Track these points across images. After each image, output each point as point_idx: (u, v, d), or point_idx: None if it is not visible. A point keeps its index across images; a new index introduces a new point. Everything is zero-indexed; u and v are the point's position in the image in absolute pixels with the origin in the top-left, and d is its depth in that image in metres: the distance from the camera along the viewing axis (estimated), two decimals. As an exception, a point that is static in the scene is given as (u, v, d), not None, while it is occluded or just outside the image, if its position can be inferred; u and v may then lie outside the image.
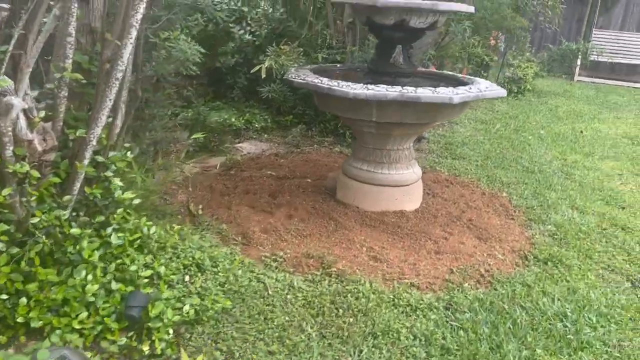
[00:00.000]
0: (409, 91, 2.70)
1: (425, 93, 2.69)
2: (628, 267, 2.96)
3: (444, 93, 2.71)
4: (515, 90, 8.16)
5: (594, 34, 11.33)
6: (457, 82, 3.37)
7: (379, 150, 3.22)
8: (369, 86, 2.75)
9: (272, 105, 5.12)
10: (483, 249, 2.98)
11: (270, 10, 4.87)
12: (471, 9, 2.99)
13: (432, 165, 4.48)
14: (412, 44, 3.23)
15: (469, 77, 3.39)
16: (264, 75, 4.16)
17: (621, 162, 5.20)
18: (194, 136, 3.18)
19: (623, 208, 3.91)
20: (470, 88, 2.89)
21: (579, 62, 10.31)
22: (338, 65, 3.74)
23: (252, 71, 4.17)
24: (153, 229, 2.29)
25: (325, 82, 2.85)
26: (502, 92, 2.99)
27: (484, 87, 2.94)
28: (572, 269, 2.87)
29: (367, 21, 3.06)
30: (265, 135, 4.81)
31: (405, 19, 2.91)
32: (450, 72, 3.57)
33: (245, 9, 5.04)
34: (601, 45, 10.83)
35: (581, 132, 6.44)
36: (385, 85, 2.76)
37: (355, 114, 2.99)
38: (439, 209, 3.41)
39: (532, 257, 2.96)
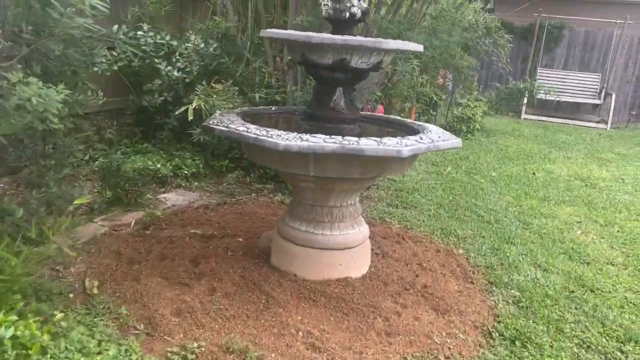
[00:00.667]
0: (351, 142, 2.27)
1: (369, 145, 2.26)
2: (605, 342, 2.58)
3: (392, 145, 2.29)
4: (465, 130, 7.99)
5: (539, 72, 11.54)
6: (406, 129, 2.98)
7: (320, 207, 2.76)
8: (304, 136, 2.30)
9: (206, 149, 4.59)
10: (441, 325, 2.52)
11: (202, 44, 4.40)
12: (420, 47, 2.62)
13: (382, 216, 4.05)
14: (356, 85, 2.82)
15: (419, 123, 3.00)
16: (190, 117, 3.66)
17: (578, 207, 4.96)
18: (76, 202, 2.60)
19: (588, 263, 3.59)
20: (421, 138, 2.49)
21: (525, 101, 10.38)
22: (273, 108, 3.29)
23: (176, 113, 3.66)
24: (10, 331, 1.70)
25: (252, 130, 2.37)
26: (457, 142, 2.61)
27: (437, 137, 2.55)
28: (543, 348, 2.45)
29: (302, 60, 2.63)
30: (196, 183, 4.26)
31: (345, 58, 2.50)
32: (399, 117, 3.19)
33: (175, 42, 4.55)
34: (546, 83, 11.02)
35: (534, 173, 6.25)
36: (323, 135, 2.31)
37: (289, 167, 2.52)
38: (390, 273, 2.95)
39: (497, 334, 2.53)
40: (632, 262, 3.70)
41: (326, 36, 2.42)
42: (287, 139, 2.25)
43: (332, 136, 2.32)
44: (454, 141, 2.60)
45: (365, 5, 2.66)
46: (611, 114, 10.64)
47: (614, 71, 11.29)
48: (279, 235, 2.86)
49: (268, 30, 2.68)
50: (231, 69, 4.43)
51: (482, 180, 5.67)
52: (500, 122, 10.10)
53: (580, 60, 11.70)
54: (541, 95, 10.12)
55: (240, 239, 3.20)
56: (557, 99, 9.99)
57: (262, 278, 2.71)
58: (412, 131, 2.87)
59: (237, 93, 4.17)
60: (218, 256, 2.92)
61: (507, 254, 3.53)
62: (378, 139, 2.35)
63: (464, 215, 4.28)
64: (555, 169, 6.55)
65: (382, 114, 3.21)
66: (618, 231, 4.39)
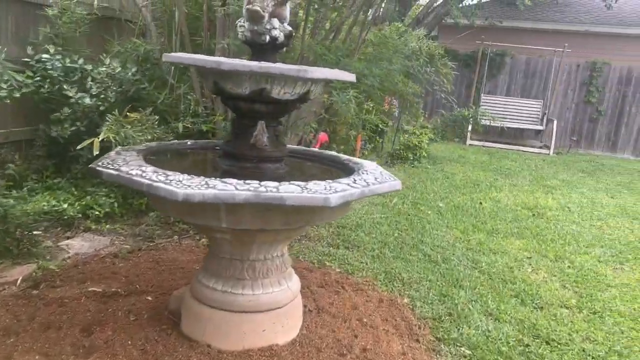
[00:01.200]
0: (269, 189, 1.87)
1: (291, 192, 1.87)
2: (566, 411, 2.26)
3: (318, 191, 1.91)
4: (412, 158, 7.79)
5: (483, 99, 11.65)
6: (340, 167, 2.63)
7: (240, 261, 2.33)
8: (212, 182, 1.88)
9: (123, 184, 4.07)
10: (382, 402, 2.14)
11: (119, 69, 3.93)
12: (351, 77, 2.29)
13: (321, 259, 3.66)
14: (281, 118, 2.44)
15: (356, 160, 2.65)
16: (96, 152, 3.17)
17: (527, 240, 4.75)
18: None
19: (541, 308, 3.31)
20: (354, 181, 2.12)
21: (470, 128, 10.38)
22: (189, 143, 2.85)
23: (78, 147, 3.17)
24: None
25: (147, 175, 1.94)
26: (396, 184, 2.26)
27: (372, 179, 2.19)
28: None
29: (215, 89, 2.24)
30: (109, 226, 3.73)
31: (265, 88, 2.13)
32: (333, 153, 2.83)
33: (90, 66, 4.06)
34: (490, 109, 11.11)
35: (480, 203, 6.06)
36: (236, 181, 1.91)
37: (197, 219, 2.09)
38: (325, 335, 2.54)
39: (446, 410, 2.17)
40: (585, 304, 3.46)
41: (239, 62, 2.03)
42: (188, 186, 1.83)
43: (248, 181, 1.92)
44: (393, 183, 2.25)
45: (289, 28, 2.30)
46: (553, 139, 10.81)
47: (554, 98, 11.54)
48: (191, 296, 2.40)
49: (172, 54, 2.28)
50: (152, 96, 3.97)
51: (429, 212, 5.41)
52: (446, 148, 10.03)
53: (522, 87, 11.92)
54: (485, 122, 10.15)
55: (150, 297, 2.72)
56: (501, 125, 10.04)
57: (167, 351, 2.23)
58: (347, 170, 2.52)
59: (157, 122, 3.71)
60: (117, 322, 2.42)
61: (456, 301, 3.21)
62: (303, 184, 1.96)
63: (409, 255, 3.95)
64: (502, 198, 6.40)
65: (315, 149, 2.86)
66: (569, 267, 4.19)
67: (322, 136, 6.25)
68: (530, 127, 11.46)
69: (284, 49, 2.41)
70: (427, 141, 7.93)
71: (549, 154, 10.69)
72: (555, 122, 11.03)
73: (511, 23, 12.55)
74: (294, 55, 3.96)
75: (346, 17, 4.12)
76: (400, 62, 3.90)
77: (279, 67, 2.04)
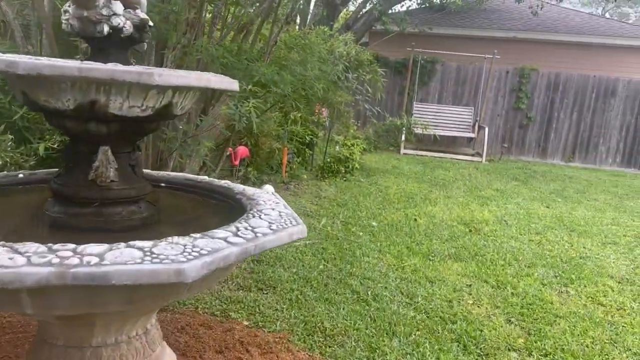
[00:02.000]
0: (85, 261, 1.19)
1: (120, 264, 1.20)
2: None
3: (169, 258, 1.25)
4: (343, 171, 7.26)
5: (415, 106, 11.40)
6: (234, 203, 1.98)
7: (77, 349, 1.62)
8: (-6, 251, 1.18)
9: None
10: None
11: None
12: (232, 84, 1.65)
13: (226, 309, 2.97)
14: (138, 141, 1.76)
15: (251, 193, 2.00)
16: None
17: (465, 262, 4.30)
18: None
19: (487, 355, 2.80)
20: (236, 231, 1.48)
21: (403, 137, 10.06)
22: (21, 175, 2.10)
23: None
24: None
25: None
26: (298, 231, 1.63)
27: (266, 226, 1.56)
28: None
29: (25, 101, 1.53)
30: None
31: (97, 101, 1.45)
32: (226, 183, 2.16)
33: None
34: (422, 117, 10.85)
35: (415, 220, 5.60)
36: (36, 247, 1.22)
37: (-13, 302, 1.38)
38: None
39: None
40: (534, 343, 3.00)
41: (47, 63, 1.34)
42: (-57, 265, 1.12)
43: (55, 246, 1.23)
44: (293, 230, 1.62)
45: (141, 15, 1.63)
46: (485, 147, 10.68)
47: (485, 105, 11.46)
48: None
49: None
50: (8, 110, 3.15)
51: (361, 234, 4.87)
52: (380, 159, 9.62)
53: (454, 94, 11.78)
54: (418, 131, 9.85)
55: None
56: (433, 133, 9.77)
57: None
58: (240, 207, 1.88)
59: (12, 143, 2.92)
60: None
61: (388, 356, 2.63)
62: (149, 245, 1.30)
63: (335, 293, 3.34)
64: (437, 212, 5.98)
65: (203, 177, 2.18)
66: (512, 294, 3.75)
67: (242, 150, 5.59)
68: (463, 134, 11.31)
69: (141, 44, 1.73)
70: (359, 153, 7.43)
71: (481, 162, 10.54)
72: (486, 129, 10.93)
73: (442, 30, 12.44)
74: (191, 60, 3.29)
75: (256, 14, 3.50)
76: (318, 68, 3.33)
77: (109, 69, 1.36)
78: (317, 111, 7.64)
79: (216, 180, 2.23)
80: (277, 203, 1.83)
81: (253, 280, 3.36)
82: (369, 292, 3.39)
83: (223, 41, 3.17)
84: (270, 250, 4.21)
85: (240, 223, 1.57)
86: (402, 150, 10.54)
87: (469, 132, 11.29)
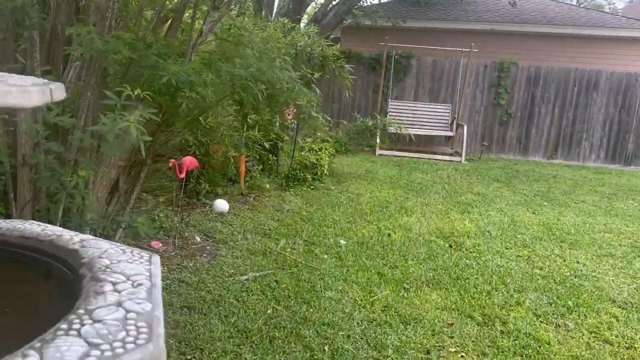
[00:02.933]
0: None
1: None
2: None
3: None
4: (310, 178, 6.58)
5: (391, 104, 10.77)
6: (61, 262, 1.27)
7: None
8: None
9: None
10: None
11: None
12: (60, 94, 0.95)
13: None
14: None
15: (87, 251, 1.30)
16: None
17: (445, 290, 3.68)
18: None
19: None
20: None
21: (378, 139, 9.41)
22: None
23: None
24: None
25: None
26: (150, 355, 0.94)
27: (94, 335, 0.86)
28: None
29: None
30: None
31: None
32: (38, 228, 1.42)
33: None
34: (398, 116, 10.22)
35: (389, 235, 4.96)
36: None
37: None
38: None
39: None
40: (533, 408, 2.37)
41: None
42: None
43: None
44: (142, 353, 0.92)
45: None
46: (464, 146, 10.11)
47: (463, 101, 10.89)
48: None
49: None
50: None
51: (326, 256, 4.20)
52: (353, 161, 8.97)
53: (430, 90, 11.18)
54: (392, 130, 9.22)
55: None
56: (408, 133, 9.13)
57: None
58: (69, 272, 1.18)
59: None
60: None
61: None
62: None
63: (282, 353, 2.65)
64: (414, 224, 5.35)
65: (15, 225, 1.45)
66: (502, 332, 3.13)
67: (189, 161, 4.87)
68: (440, 133, 10.72)
69: None
70: (327, 158, 6.76)
71: (460, 162, 9.96)
72: (465, 127, 10.36)
73: (416, 23, 11.85)
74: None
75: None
76: (254, 64, 2.63)
77: None
78: (289, 112, 6.96)
79: (19, 224, 1.47)
80: (138, 285, 1.13)
81: (175, 340, 2.63)
82: (327, 347, 2.72)
83: (120, 31, 2.44)
84: (217, 274, 3.52)
85: (31, 350, 0.87)
86: (378, 152, 9.90)
87: (447, 130, 10.70)
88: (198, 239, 4.36)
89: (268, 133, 6.74)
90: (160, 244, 4.17)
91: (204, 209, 5.15)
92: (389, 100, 10.87)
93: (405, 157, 9.99)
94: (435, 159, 10.03)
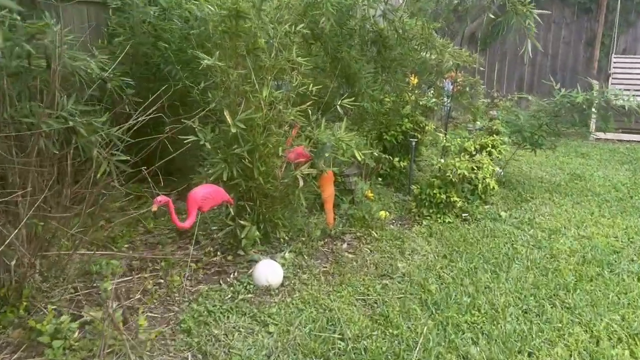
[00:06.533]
0: None
1: None
2: None
3: None
4: (462, 202, 3.79)
5: (615, 61, 7.34)
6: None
7: None
8: None
9: None
10: None
11: None
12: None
13: None
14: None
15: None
16: None
17: None
18: None
19: None
20: None
21: (594, 122, 6.11)
22: None
23: None
24: None
25: None
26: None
27: None
28: None
29: None
30: None
31: None
32: None
33: None
34: (626, 78, 6.88)
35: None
36: None
37: None
38: None
39: None
40: None
41: None
42: None
43: None
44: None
45: None
46: None
47: None
48: None
49: None
50: None
51: None
52: (547, 156, 5.75)
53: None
54: (622, 103, 5.78)
55: None
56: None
57: None
58: None
59: None
60: None
61: None
62: None
63: None
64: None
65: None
66: None
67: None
68: None
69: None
70: (491, 168, 3.88)
71: None
72: None
73: None
74: None
75: None
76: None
77: None
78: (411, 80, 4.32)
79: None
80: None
81: None
82: None
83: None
84: None
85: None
86: (592, 136, 6.50)
87: None
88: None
89: (391, 120, 4.18)
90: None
91: (244, 274, 2.85)
92: (612, 55, 7.40)
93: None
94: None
